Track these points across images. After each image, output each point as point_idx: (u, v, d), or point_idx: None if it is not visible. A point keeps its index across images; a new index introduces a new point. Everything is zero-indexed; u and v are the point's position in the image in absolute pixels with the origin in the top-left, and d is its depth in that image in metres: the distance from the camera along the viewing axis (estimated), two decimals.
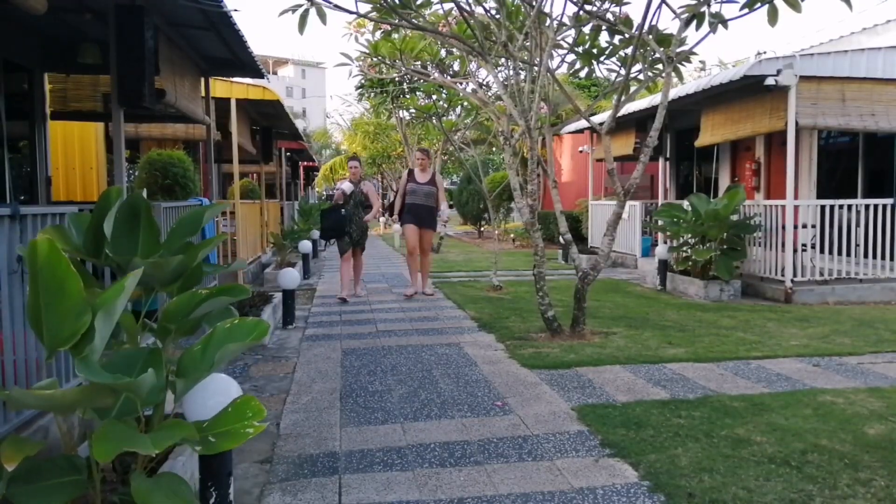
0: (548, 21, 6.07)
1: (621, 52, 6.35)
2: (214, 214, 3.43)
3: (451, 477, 3.04)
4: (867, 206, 7.98)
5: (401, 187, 8.54)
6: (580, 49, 6.51)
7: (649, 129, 5.94)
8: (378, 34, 7.65)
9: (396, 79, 11.46)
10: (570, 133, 14.92)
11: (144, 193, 3.08)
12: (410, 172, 8.58)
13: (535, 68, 6.04)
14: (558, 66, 7.07)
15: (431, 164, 8.78)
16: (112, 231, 2.88)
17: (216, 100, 8.25)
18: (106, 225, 2.71)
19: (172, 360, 2.49)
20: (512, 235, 17.88)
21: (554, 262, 12.19)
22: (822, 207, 7.99)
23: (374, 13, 5.89)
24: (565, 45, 6.53)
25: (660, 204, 10.89)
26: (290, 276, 6.67)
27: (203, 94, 7.54)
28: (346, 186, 8.28)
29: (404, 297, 8.33)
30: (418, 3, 5.96)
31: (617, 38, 6.27)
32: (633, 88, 6.46)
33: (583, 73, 7.17)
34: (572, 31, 6.25)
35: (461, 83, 9.72)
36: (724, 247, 8.21)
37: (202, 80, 7.48)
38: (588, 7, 5.90)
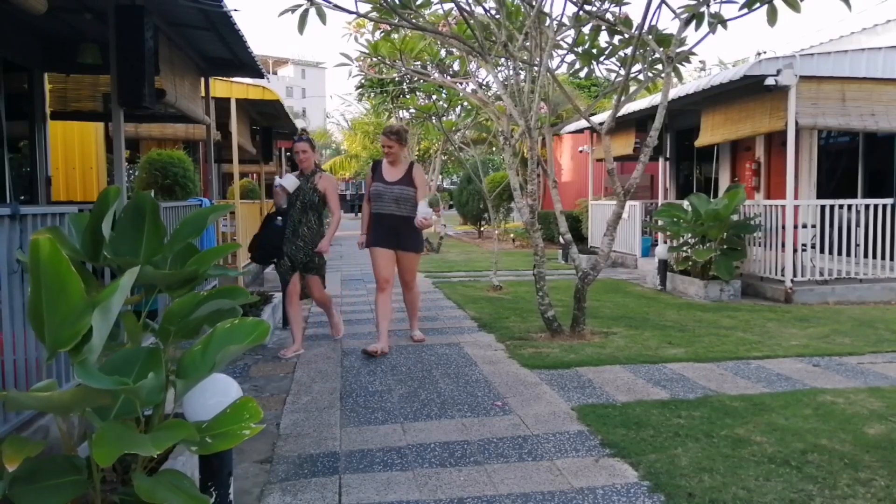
0: (548, 21, 6.07)
1: (621, 53, 6.36)
2: (219, 216, 3.43)
3: (451, 477, 3.04)
4: (867, 206, 7.98)
5: (365, 190, 5.87)
6: (580, 49, 6.51)
7: (649, 129, 5.94)
8: (378, 34, 7.65)
9: (396, 79, 11.46)
10: (570, 133, 14.93)
11: (152, 194, 3.07)
12: (375, 166, 5.67)
13: (535, 68, 6.04)
14: (558, 66, 7.08)
15: (407, 151, 5.79)
16: (116, 231, 2.88)
17: (216, 100, 8.25)
18: (104, 225, 2.71)
19: (173, 360, 2.49)
20: (512, 235, 17.88)
21: (554, 262, 12.20)
22: (822, 207, 7.99)
23: (374, 13, 5.89)
24: (565, 46, 6.54)
25: (660, 204, 10.89)
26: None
27: (203, 94, 7.54)
28: (289, 181, 5.30)
29: (363, 353, 5.33)
30: (418, 3, 5.96)
31: (616, 39, 6.28)
32: (632, 88, 6.46)
33: (583, 73, 7.17)
34: (572, 32, 6.26)
35: (461, 83, 9.72)
36: (724, 247, 8.21)
37: (202, 80, 7.48)
38: (588, 7, 5.90)
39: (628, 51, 6.06)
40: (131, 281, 2.17)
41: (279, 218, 5.32)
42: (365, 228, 5.65)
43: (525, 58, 6.27)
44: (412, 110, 15.61)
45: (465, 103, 13.70)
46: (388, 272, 5.54)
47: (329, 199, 5.47)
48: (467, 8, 5.92)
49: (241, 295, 2.78)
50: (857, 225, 7.98)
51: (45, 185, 7.27)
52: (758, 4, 5.07)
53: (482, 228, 21.86)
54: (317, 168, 5.54)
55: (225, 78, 8.49)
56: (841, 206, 8.00)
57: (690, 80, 9.90)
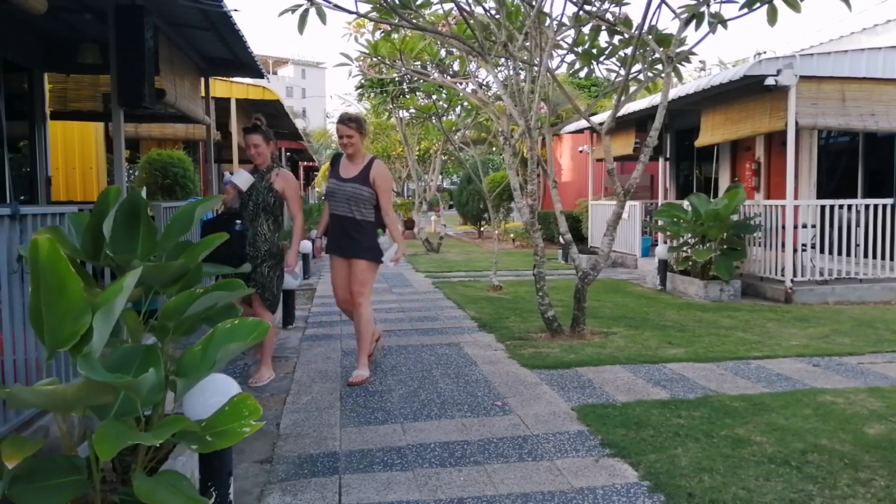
0: (547, 21, 6.07)
1: (621, 53, 6.36)
2: (207, 209, 3.42)
3: (451, 477, 3.04)
4: (867, 206, 7.98)
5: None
6: (580, 49, 6.51)
7: (649, 129, 5.94)
8: (378, 34, 7.66)
9: (396, 79, 11.47)
10: (570, 133, 14.93)
11: (144, 193, 3.06)
12: (335, 161, 4.88)
13: (535, 68, 6.04)
14: (558, 66, 7.08)
15: (365, 142, 4.84)
16: (112, 231, 2.88)
17: (216, 100, 8.27)
18: (105, 225, 2.71)
19: (173, 359, 2.49)
20: (512, 235, 17.88)
21: (554, 262, 12.20)
22: (822, 207, 7.99)
23: (374, 13, 5.89)
24: (565, 46, 6.54)
25: (660, 204, 10.89)
26: (290, 276, 6.66)
27: (203, 94, 7.55)
28: (242, 178, 4.53)
29: (348, 384, 4.53)
30: (418, 3, 5.96)
31: (616, 39, 6.28)
32: (632, 88, 6.46)
33: (583, 73, 7.18)
34: (572, 32, 6.26)
35: (461, 83, 9.72)
36: (724, 247, 8.21)
37: (202, 80, 7.49)
38: (588, 7, 5.90)
39: (628, 51, 6.06)
40: (133, 282, 2.17)
41: (238, 221, 4.47)
42: (321, 230, 4.90)
43: (525, 58, 6.27)
44: (412, 110, 15.61)
45: (465, 103, 13.71)
46: (343, 292, 4.79)
47: (289, 202, 4.63)
48: (467, 8, 5.92)
49: (238, 288, 2.78)
50: (857, 225, 7.98)
51: (45, 185, 7.28)
52: (758, 4, 5.07)
53: (482, 228, 21.86)
54: (274, 164, 4.69)
55: (225, 78, 8.51)
56: (841, 206, 8.00)
57: (690, 80, 9.90)
